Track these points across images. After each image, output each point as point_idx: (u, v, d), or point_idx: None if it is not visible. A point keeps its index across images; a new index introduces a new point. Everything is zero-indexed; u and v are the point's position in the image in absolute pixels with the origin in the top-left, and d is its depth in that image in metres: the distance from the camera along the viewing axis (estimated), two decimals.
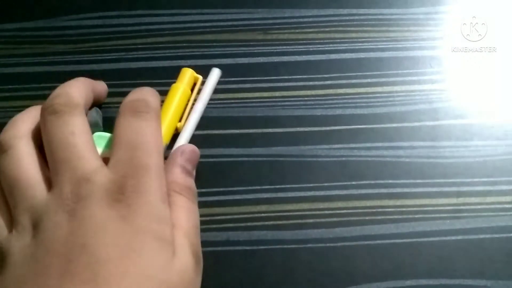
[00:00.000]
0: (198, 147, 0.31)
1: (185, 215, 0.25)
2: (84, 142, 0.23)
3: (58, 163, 0.23)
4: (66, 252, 0.20)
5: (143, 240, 0.21)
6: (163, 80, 0.35)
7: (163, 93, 0.34)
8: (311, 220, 0.29)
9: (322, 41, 0.38)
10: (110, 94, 0.34)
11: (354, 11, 0.39)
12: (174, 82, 0.34)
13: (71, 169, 0.22)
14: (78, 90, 0.27)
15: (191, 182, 0.27)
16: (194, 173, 0.28)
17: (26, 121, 0.26)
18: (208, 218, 0.30)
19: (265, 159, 0.32)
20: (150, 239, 0.21)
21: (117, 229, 0.21)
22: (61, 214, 0.21)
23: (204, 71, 0.35)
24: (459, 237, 0.29)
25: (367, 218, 0.30)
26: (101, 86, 0.32)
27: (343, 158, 0.32)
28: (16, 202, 0.23)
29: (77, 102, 0.26)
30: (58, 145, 0.23)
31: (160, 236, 0.22)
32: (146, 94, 0.28)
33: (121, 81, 0.35)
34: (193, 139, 0.32)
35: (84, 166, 0.22)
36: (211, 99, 0.34)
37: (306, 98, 0.34)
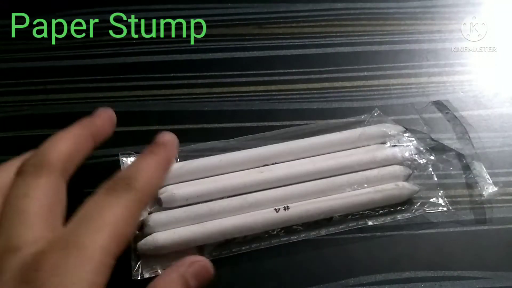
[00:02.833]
0: (193, 141, 0.30)
1: None
2: (37, 208, 0.19)
3: (0, 228, 0.19)
4: None
5: None
6: (157, 75, 0.35)
7: (158, 88, 0.34)
8: None
9: (318, 35, 0.38)
10: (104, 89, 0.34)
11: (350, 5, 0.39)
12: (170, 77, 0.34)
13: (7, 237, 0.18)
14: (61, 147, 0.22)
15: None
16: None
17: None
18: None
19: None
20: None
21: None
22: None
23: (201, 66, 0.35)
24: (458, 229, 0.28)
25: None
26: (102, 123, 0.25)
27: None
28: None
29: (51, 163, 0.21)
30: (8, 208, 0.19)
31: None
32: (139, 170, 0.21)
33: (116, 76, 0.35)
34: (183, 133, 0.32)
35: (21, 235, 0.18)
36: (206, 93, 0.34)
37: (302, 92, 0.34)
